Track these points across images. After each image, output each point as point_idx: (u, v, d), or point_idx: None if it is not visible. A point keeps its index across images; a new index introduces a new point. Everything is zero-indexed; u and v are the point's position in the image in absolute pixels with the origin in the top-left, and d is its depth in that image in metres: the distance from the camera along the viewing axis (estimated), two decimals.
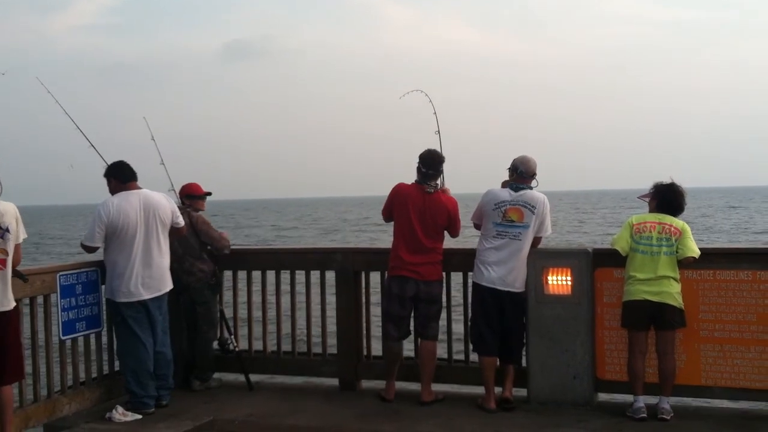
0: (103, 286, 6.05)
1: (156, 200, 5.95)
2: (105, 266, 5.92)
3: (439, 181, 6.03)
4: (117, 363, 6.17)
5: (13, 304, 4.93)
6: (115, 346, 6.14)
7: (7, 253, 4.83)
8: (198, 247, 6.52)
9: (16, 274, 4.98)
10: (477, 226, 5.94)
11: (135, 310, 5.85)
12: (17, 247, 4.94)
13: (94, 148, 6.35)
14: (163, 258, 5.98)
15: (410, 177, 6.04)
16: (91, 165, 6.25)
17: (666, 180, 5.63)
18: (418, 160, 5.99)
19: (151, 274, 5.87)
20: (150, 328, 5.93)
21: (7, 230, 4.82)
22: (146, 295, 5.86)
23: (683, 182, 5.62)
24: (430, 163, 5.94)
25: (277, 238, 47.63)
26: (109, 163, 6.10)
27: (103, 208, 5.78)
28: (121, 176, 5.96)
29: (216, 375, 6.70)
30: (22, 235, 4.99)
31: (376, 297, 6.54)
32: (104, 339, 6.18)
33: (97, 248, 5.86)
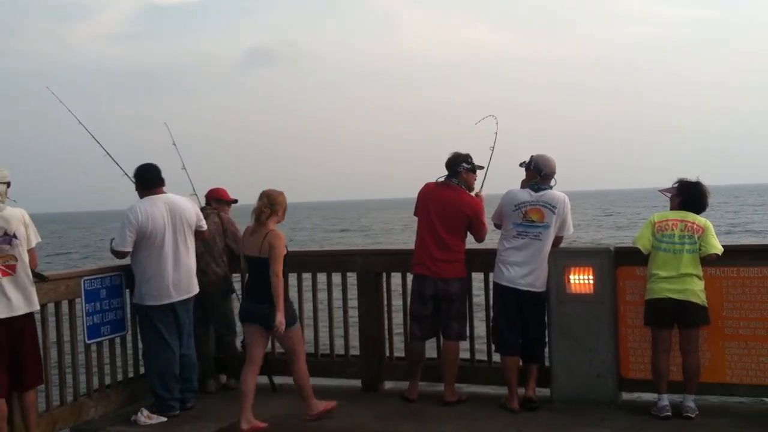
0: (127, 290, 6.11)
1: (181, 204, 6.01)
2: (132, 271, 5.97)
3: (476, 185, 6.10)
4: (142, 366, 6.23)
5: (35, 308, 4.98)
6: (140, 350, 6.19)
7: (16, 259, 4.87)
8: (221, 248, 6.57)
9: (35, 274, 5.05)
10: (498, 226, 5.95)
11: (163, 313, 5.90)
12: (31, 251, 5.01)
13: (110, 156, 6.43)
14: (190, 261, 6.03)
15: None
16: (109, 171, 6.36)
17: (692, 178, 5.55)
18: None
19: (180, 278, 5.92)
20: (177, 332, 5.98)
21: (14, 236, 4.87)
22: (175, 298, 5.91)
23: (709, 180, 5.58)
24: (448, 163, 6.05)
25: None
26: (124, 170, 6.21)
27: (132, 212, 5.82)
28: (147, 181, 6.01)
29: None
30: (35, 240, 5.04)
31: (397, 298, 6.56)
32: (129, 343, 6.24)
33: (128, 253, 5.86)
